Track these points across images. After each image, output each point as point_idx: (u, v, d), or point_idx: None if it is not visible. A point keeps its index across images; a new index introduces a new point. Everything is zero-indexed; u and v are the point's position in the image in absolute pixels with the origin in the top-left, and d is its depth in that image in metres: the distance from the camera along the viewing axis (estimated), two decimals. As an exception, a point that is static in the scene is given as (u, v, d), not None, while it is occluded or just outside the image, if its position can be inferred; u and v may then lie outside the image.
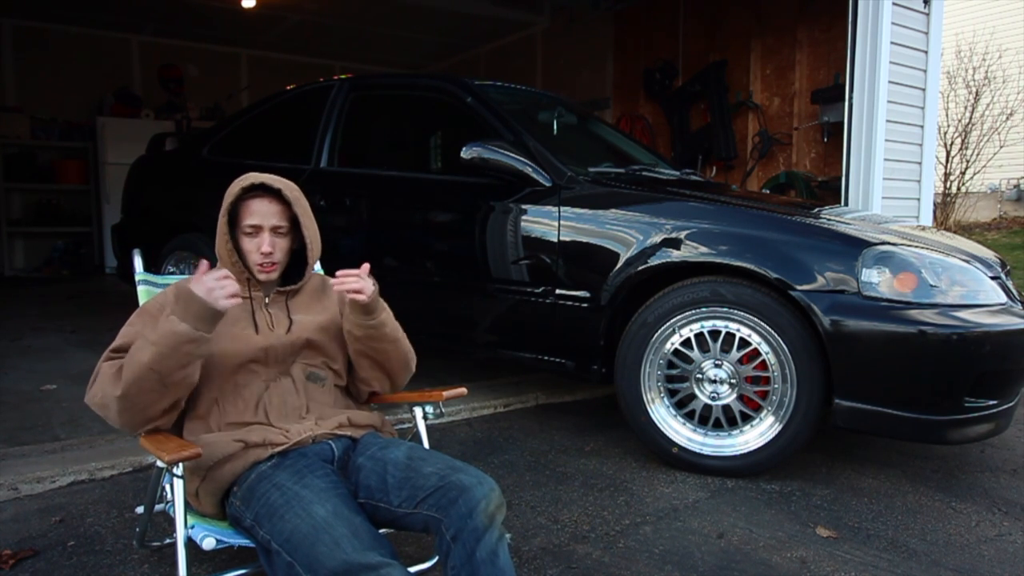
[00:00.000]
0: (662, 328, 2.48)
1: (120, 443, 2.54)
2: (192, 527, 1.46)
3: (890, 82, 4.43)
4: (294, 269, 1.75)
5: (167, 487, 1.54)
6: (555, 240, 2.74)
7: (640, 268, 2.54)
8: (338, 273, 1.62)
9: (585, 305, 2.67)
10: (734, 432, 2.45)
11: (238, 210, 1.66)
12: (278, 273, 1.71)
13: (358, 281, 1.62)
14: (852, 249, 2.27)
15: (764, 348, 2.36)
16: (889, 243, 2.30)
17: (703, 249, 2.44)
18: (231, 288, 1.43)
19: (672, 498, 2.29)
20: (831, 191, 5.08)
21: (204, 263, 1.46)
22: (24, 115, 7.47)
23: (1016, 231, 9.85)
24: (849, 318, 2.20)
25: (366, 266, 1.65)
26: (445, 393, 1.79)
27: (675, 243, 2.48)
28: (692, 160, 6.13)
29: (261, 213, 1.65)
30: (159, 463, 1.42)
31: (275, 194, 1.67)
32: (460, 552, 1.34)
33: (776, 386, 2.36)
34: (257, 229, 1.65)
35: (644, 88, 6.72)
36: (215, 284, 1.41)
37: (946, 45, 6.74)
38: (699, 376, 2.46)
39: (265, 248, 1.65)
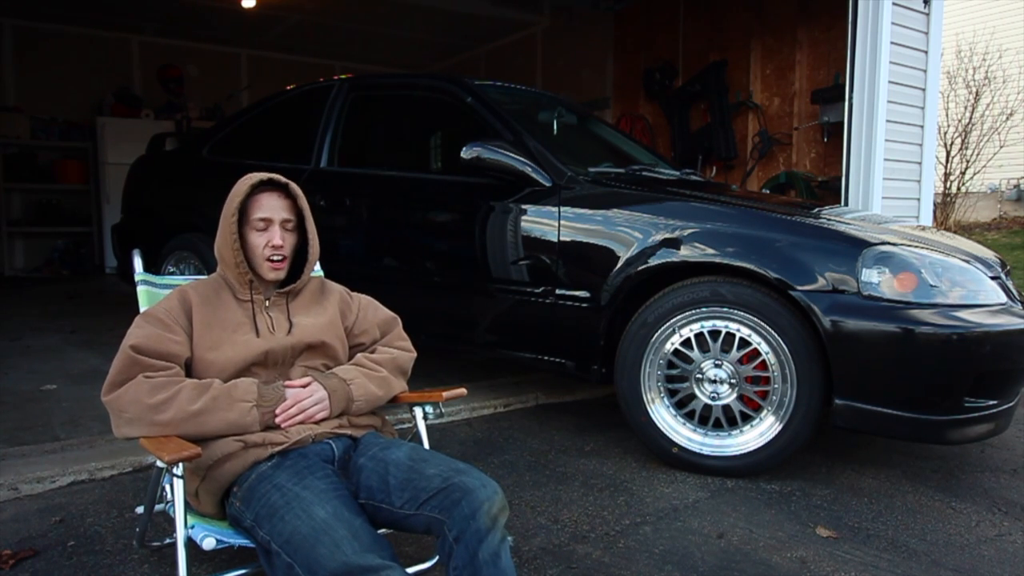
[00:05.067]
0: (662, 328, 2.48)
1: (120, 443, 2.53)
2: (192, 527, 1.47)
3: (890, 82, 4.43)
4: (293, 270, 1.76)
5: (167, 487, 1.54)
6: (555, 240, 2.74)
7: (640, 268, 2.54)
8: (278, 411, 1.58)
9: (585, 305, 2.67)
10: (734, 432, 2.45)
11: (246, 207, 1.68)
12: (285, 272, 1.72)
13: (301, 412, 1.59)
14: (852, 249, 2.27)
15: (764, 348, 2.36)
16: (889, 243, 2.30)
17: (703, 249, 2.44)
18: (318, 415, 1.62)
19: (672, 498, 2.29)
20: (831, 191, 5.08)
21: (307, 380, 1.64)
22: (24, 115, 7.47)
23: (1016, 231, 9.85)
24: (849, 318, 2.20)
25: (303, 382, 1.63)
26: (445, 393, 1.79)
27: (675, 243, 2.48)
28: (692, 160, 6.12)
29: (271, 207, 1.68)
30: (159, 463, 1.42)
31: (283, 189, 1.71)
32: (463, 553, 1.34)
33: (776, 386, 2.36)
34: (268, 223, 1.68)
35: (644, 88, 6.71)
36: (306, 404, 1.60)
37: (946, 45, 6.74)
38: (699, 376, 2.46)
39: (276, 241, 1.67)
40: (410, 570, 1.50)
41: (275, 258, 1.68)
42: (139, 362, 1.52)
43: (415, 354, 1.89)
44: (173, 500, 1.43)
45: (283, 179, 1.71)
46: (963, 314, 2.21)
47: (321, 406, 1.62)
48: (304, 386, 1.63)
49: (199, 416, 1.49)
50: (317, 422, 1.63)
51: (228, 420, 1.51)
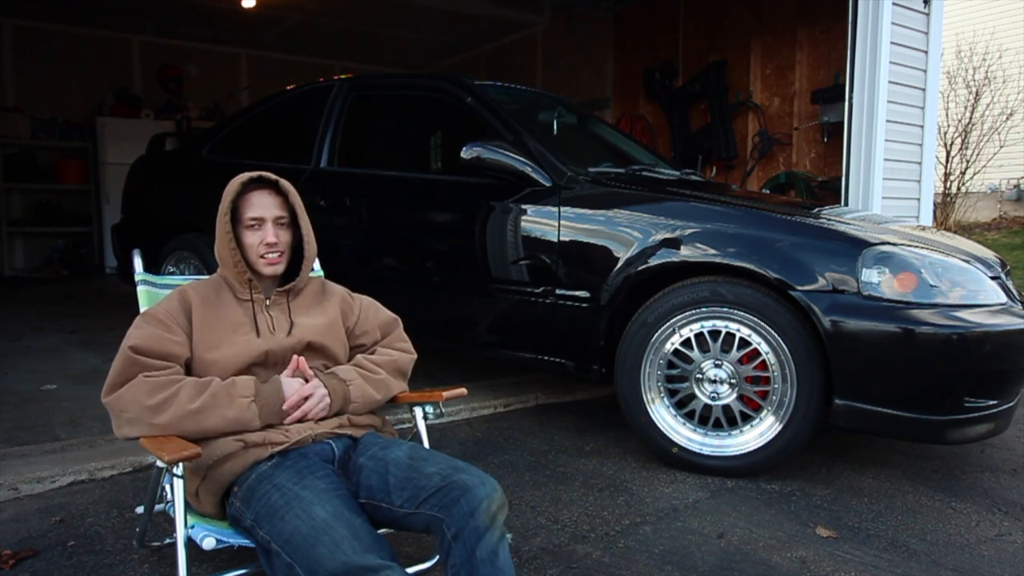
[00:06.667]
0: (662, 328, 2.48)
1: (120, 443, 2.53)
2: (192, 527, 1.47)
3: (890, 82, 4.43)
4: (292, 268, 1.76)
5: (167, 487, 1.55)
6: (555, 240, 2.74)
7: (640, 268, 2.54)
8: (285, 408, 1.59)
9: (585, 305, 2.67)
10: (734, 432, 2.45)
11: (238, 207, 1.68)
12: (283, 266, 1.72)
13: (305, 404, 1.61)
14: (852, 249, 2.27)
15: (764, 348, 2.36)
16: (889, 243, 2.30)
17: (703, 249, 2.44)
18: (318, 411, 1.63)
19: (672, 498, 2.29)
20: (831, 191, 5.08)
21: (296, 359, 1.64)
22: (24, 115, 7.46)
23: (1016, 231, 9.84)
24: (849, 318, 2.20)
25: (301, 364, 1.64)
26: (445, 393, 1.79)
27: (675, 243, 2.48)
28: (692, 160, 6.12)
29: (262, 205, 1.68)
30: (159, 463, 1.43)
31: (272, 186, 1.70)
32: (460, 551, 1.34)
33: (776, 386, 2.36)
34: (260, 221, 1.67)
35: (644, 88, 6.71)
36: (309, 405, 1.61)
37: (946, 45, 6.74)
38: (699, 376, 2.46)
39: (270, 239, 1.67)
40: (410, 570, 1.50)
41: (271, 254, 1.68)
42: (138, 362, 1.52)
43: (415, 356, 1.89)
44: (173, 500, 1.43)
45: (272, 176, 1.70)
46: (963, 314, 2.21)
47: (323, 405, 1.63)
48: (306, 380, 1.64)
49: (198, 414, 1.49)
50: (316, 421, 1.63)
51: (227, 417, 1.51)
